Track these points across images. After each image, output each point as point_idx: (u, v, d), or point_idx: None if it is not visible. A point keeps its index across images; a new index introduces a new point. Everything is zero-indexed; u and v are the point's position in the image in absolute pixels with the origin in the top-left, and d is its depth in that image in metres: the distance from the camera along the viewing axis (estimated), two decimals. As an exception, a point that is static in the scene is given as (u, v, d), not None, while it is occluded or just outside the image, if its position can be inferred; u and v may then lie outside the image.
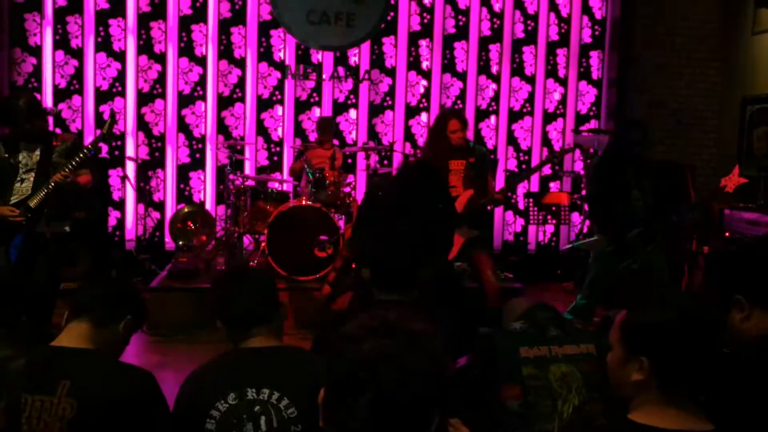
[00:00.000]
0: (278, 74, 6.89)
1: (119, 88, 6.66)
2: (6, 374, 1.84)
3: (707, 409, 1.47)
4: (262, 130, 6.94)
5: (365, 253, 2.63)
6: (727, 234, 6.24)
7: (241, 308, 2.06)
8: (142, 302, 2.18)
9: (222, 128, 6.85)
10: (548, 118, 7.38)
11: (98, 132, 4.39)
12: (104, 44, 6.59)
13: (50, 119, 5.67)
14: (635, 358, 1.48)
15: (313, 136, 6.85)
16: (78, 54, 6.57)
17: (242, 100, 6.88)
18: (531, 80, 7.29)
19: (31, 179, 4.14)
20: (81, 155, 4.10)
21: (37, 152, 4.18)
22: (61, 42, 6.53)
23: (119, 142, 6.66)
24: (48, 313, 4.20)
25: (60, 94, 6.57)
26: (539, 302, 2.60)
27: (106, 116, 6.63)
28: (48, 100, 6.51)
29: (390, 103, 7.08)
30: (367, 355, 1.16)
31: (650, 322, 1.47)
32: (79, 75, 6.59)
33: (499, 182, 7.10)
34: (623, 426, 1.47)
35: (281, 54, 6.88)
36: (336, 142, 6.68)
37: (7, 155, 4.13)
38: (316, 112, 6.98)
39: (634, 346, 1.49)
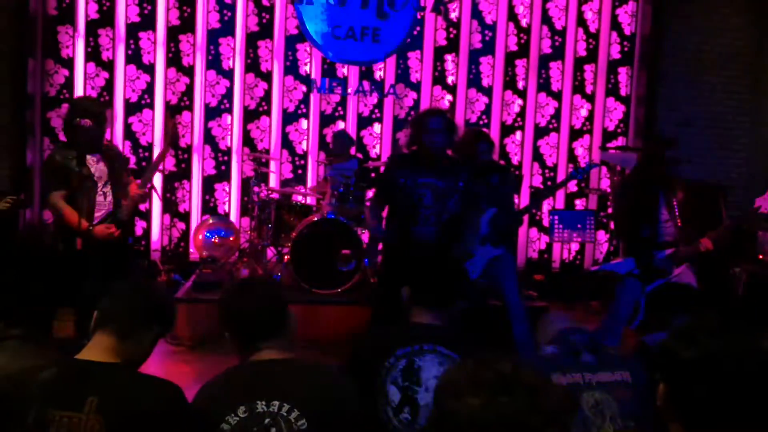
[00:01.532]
0: (304, 88, 6.93)
1: (148, 100, 6.75)
2: (35, 387, 1.84)
3: None
4: (287, 143, 6.98)
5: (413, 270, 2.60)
6: (760, 256, 6.12)
7: (248, 321, 2.06)
8: (170, 309, 2.16)
9: (248, 141, 6.90)
10: (575, 134, 7.31)
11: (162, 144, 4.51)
12: (134, 57, 6.69)
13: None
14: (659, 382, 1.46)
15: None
16: (108, 66, 6.67)
17: (268, 113, 6.93)
18: (558, 96, 7.24)
19: (110, 192, 4.12)
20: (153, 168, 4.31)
21: (101, 164, 4.12)
22: (93, 54, 6.64)
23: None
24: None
25: (90, 106, 6.66)
26: (573, 326, 2.57)
27: (134, 128, 6.72)
28: (78, 112, 6.61)
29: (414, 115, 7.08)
30: (481, 415, 1.05)
31: (671, 352, 1.44)
32: (109, 87, 6.69)
33: (524, 198, 7.06)
34: None
35: (307, 68, 6.92)
36: (360, 156, 6.68)
37: (79, 170, 4.00)
38: (341, 125, 7.00)
39: (660, 372, 1.47)
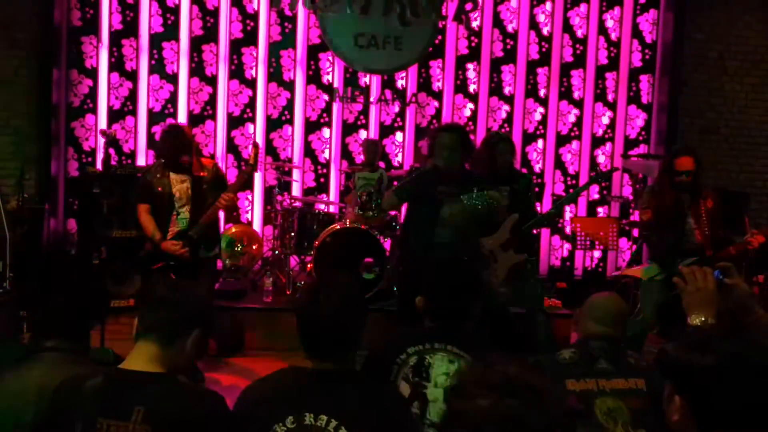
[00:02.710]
0: (326, 97, 6.96)
1: (171, 110, 6.80)
2: (82, 394, 1.85)
3: None
4: (309, 152, 7.00)
5: (428, 282, 2.60)
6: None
7: (320, 331, 2.01)
8: (211, 313, 2.16)
9: (270, 150, 6.93)
10: (596, 142, 7.30)
11: (243, 166, 4.76)
12: (158, 67, 6.74)
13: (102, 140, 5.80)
14: (673, 396, 1.45)
15: (359, 159, 6.89)
16: (132, 76, 6.73)
17: (290, 122, 6.96)
18: (579, 104, 7.23)
19: (187, 212, 4.37)
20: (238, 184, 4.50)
21: (187, 184, 4.38)
22: (116, 64, 6.70)
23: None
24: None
25: (114, 115, 6.72)
26: (594, 332, 2.54)
27: (158, 137, 6.76)
28: (103, 122, 6.67)
29: (437, 125, 7.09)
30: (488, 414, 1.08)
31: (685, 363, 1.44)
32: (133, 97, 6.74)
33: (546, 206, 7.03)
34: None
35: (329, 77, 6.95)
36: (382, 164, 6.70)
37: (161, 189, 4.36)
38: (363, 134, 7.02)
39: (675, 386, 1.46)
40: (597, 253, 7.10)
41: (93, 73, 6.68)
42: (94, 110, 6.69)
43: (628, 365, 2.41)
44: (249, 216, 6.98)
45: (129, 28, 6.68)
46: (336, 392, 1.95)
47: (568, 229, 7.06)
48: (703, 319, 1.87)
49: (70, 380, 1.94)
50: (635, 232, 6.99)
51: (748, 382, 1.38)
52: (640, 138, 7.34)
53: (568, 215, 7.09)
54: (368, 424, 1.91)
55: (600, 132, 7.30)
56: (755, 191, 7.07)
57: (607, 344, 2.45)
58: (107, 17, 6.65)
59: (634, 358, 2.48)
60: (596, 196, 7.24)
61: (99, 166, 6.41)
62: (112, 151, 6.44)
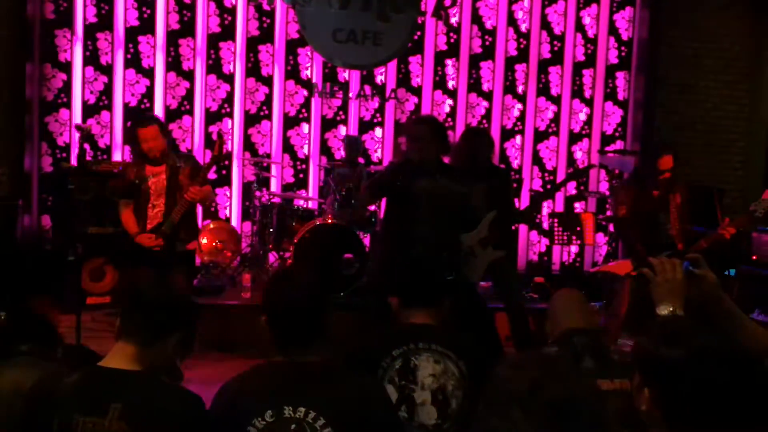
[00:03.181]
0: (305, 92, 6.93)
1: (147, 104, 6.72)
2: (59, 391, 1.84)
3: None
4: (288, 147, 6.97)
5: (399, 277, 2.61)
6: (754, 257, 6.18)
7: (292, 322, 2.03)
8: (193, 313, 2.14)
9: (248, 145, 6.89)
10: (573, 138, 7.36)
11: (209, 153, 4.73)
12: (133, 61, 6.66)
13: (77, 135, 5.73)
14: (643, 387, 1.47)
15: (338, 154, 6.87)
16: (107, 70, 6.63)
17: (269, 117, 6.92)
18: (557, 100, 7.28)
19: (162, 204, 4.36)
20: (202, 175, 4.37)
21: (163, 176, 4.36)
22: (91, 58, 6.60)
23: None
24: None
25: (89, 110, 6.63)
26: (573, 328, 2.54)
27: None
28: (77, 116, 6.58)
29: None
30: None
31: (656, 356, 1.45)
32: (108, 91, 6.65)
33: (524, 202, 7.08)
34: None
35: (308, 72, 6.92)
36: (362, 160, 6.69)
37: (137, 181, 4.36)
38: (342, 130, 7.00)
39: (643, 376, 1.48)
40: (574, 248, 7.16)
41: (67, 67, 6.58)
42: (68, 105, 6.59)
43: (612, 364, 2.41)
44: (227, 212, 6.94)
45: (104, 21, 6.58)
46: (314, 384, 1.95)
47: (545, 225, 7.12)
48: (671, 309, 1.89)
49: (47, 378, 1.93)
50: (611, 227, 7.06)
51: (716, 376, 1.39)
52: (617, 134, 7.41)
53: (545, 211, 7.15)
54: (347, 415, 1.92)
55: (577, 128, 7.35)
56: (729, 187, 7.17)
57: (589, 339, 2.46)
58: (81, 10, 6.54)
59: (617, 353, 2.49)
60: (573, 192, 7.29)
61: (74, 161, 6.33)
62: (87, 146, 6.35)
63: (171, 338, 2.00)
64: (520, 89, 7.20)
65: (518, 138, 7.26)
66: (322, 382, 1.97)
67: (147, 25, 6.65)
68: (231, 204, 6.93)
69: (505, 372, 1.13)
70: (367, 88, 6.95)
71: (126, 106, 6.69)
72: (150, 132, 4.38)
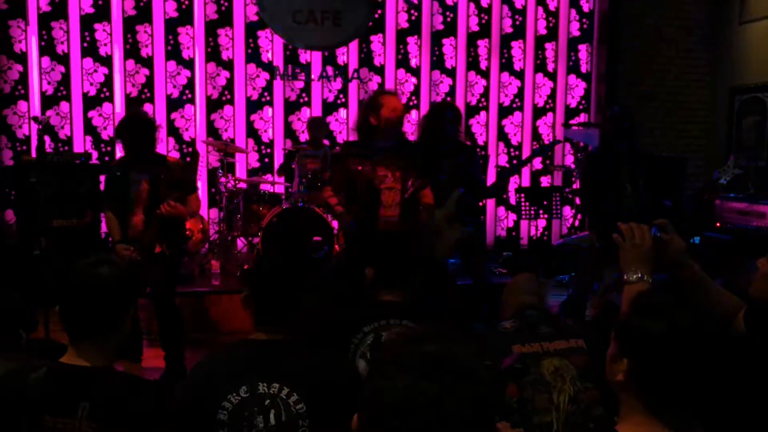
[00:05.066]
0: (267, 75, 6.87)
1: (107, 94, 6.62)
2: (25, 389, 1.79)
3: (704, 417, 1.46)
4: (252, 131, 6.92)
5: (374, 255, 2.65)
6: (718, 224, 6.28)
7: (273, 297, 2.06)
8: (134, 284, 2.02)
9: (212, 131, 6.82)
10: (538, 112, 7.39)
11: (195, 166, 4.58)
12: (90, 49, 6.54)
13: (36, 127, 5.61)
14: (621, 358, 1.48)
15: (303, 137, 6.83)
16: (64, 60, 6.51)
17: (231, 102, 6.86)
18: (520, 75, 7.29)
19: (141, 213, 4.12)
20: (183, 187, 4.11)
21: (145, 184, 4.11)
22: (47, 48, 6.47)
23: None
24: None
25: (48, 101, 6.51)
26: (529, 302, 2.62)
27: (95, 122, 6.59)
28: (36, 108, 6.46)
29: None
30: (404, 397, 1.00)
31: (638, 328, 1.46)
32: (66, 81, 6.53)
33: (491, 178, 7.11)
34: None
35: (269, 55, 6.85)
36: (327, 142, 6.66)
37: (119, 189, 4.12)
38: (306, 112, 6.96)
39: (622, 347, 1.48)
40: (542, 222, 7.22)
41: (23, 58, 6.45)
42: (26, 96, 6.46)
43: (566, 327, 2.49)
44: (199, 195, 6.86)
45: (58, 9, 6.44)
46: (287, 360, 1.98)
47: (512, 200, 7.16)
48: (639, 275, 1.91)
49: (12, 376, 1.89)
50: (578, 200, 7.12)
51: (698, 350, 1.41)
52: (581, 107, 7.45)
53: (512, 186, 7.18)
54: (319, 389, 1.94)
55: (541, 102, 7.38)
56: (692, 156, 7.26)
57: (541, 312, 2.53)
58: (34, -1, 6.41)
59: (570, 321, 2.55)
60: (539, 167, 7.33)
61: (34, 154, 6.22)
62: (47, 138, 6.25)
63: (123, 321, 1.93)
64: (483, 65, 7.20)
65: (483, 114, 7.27)
66: (295, 358, 2.00)
67: (102, 12, 6.52)
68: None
69: (393, 336, 1.12)
70: (330, 69, 6.89)
71: (85, 96, 6.58)
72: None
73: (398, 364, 1.03)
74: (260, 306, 2.07)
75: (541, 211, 6.60)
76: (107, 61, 6.58)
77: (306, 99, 6.97)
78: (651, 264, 1.93)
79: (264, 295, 2.08)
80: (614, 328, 1.53)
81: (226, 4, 6.73)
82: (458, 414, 0.99)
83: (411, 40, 7.06)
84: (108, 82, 6.61)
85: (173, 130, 6.76)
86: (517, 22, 7.21)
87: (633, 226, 1.95)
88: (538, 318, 2.48)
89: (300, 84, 6.92)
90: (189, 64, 6.74)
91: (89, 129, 6.59)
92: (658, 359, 1.41)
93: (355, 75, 6.94)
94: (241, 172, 6.90)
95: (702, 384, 1.41)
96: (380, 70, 7.04)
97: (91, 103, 6.58)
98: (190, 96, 6.77)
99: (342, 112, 7.05)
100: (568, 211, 7.34)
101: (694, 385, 1.41)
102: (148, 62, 6.66)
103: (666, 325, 1.42)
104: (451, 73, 7.16)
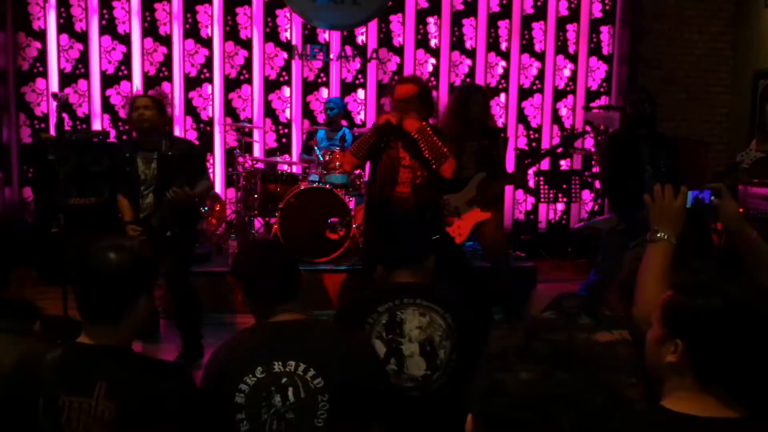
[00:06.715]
0: (285, 55, 6.82)
1: (125, 72, 6.60)
2: (42, 369, 1.77)
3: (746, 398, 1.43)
4: (269, 111, 6.89)
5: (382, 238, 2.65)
6: (741, 210, 6.20)
7: (269, 283, 2.08)
8: (152, 270, 1.95)
9: (229, 110, 6.80)
10: (558, 95, 7.31)
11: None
12: (109, 27, 6.52)
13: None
14: (671, 340, 1.46)
15: (321, 117, 6.80)
16: (83, 37, 6.50)
17: (249, 81, 6.82)
18: (541, 57, 7.20)
19: (151, 195, 4.08)
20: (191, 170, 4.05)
21: (154, 164, 4.06)
22: (65, 25, 6.46)
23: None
24: None
25: (66, 79, 6.51)
26: (563, 293, 2.59)
27: (113, 100, 6.58)
28: (54, 85, 6.46)
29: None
30: (533, 390, 1.01)
31: (693, 307, 1.44)
32: (84, 59, 6.52)
33: (510, 160, 7.05)
34: (657, 413, 1.44)
35: (287, 34, 6.80)
36: (345, 123, 6.62)
37: (128, 170, 4.08)
38: (324, 92, 6.92)
39: (673, 328, 1.46)
40: (560, 206, 7.16)
41: (41, 35, 6.44)
42: (44, 74, 6.47)
43: (608, 318, 2.44)
44: (210, 179, 6.86)
45: (77, -14, 6.43)
46: (302, 338, 1.99)
47: (531, 183, 7.10)
48: (662, 234, 1.89)
49: (28, 356, 1.87)
50: (597, 184, 7.05)
51: (755, 321, 1.39)
52: (602, 90, 7.36)
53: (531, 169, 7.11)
54: (335, 364, 1.95)
55: (562, 85, 7.29)
56: (714, 140, 7.16)
57: (579, 301, 2.49)
58: (53, -25, 6.39)
59: (609, 311, 2.51)
60: (559, 150, 7.25)
61: (53, 131, 6.23)
62: (65, 115, 6.22)
63: (138, 301, 1.88)
64: (503, 46, 7.12)
65: (502, 96, 7.20)
66: (308, 336, 2.01)
67: (121, -11, 6.49)
68: (214, 171, 6.86)
69: (500, 331, 1.13)
70: (348, 49, 6.84)
71: (103, 74, 6.57)
72: (143, 100, 4.10)
73: (521, 356, 1.04)
74: (259, 292, 2.10)
75: (560, 195, 6.55)
76: (125, 39, 6.56)
77: (324, 79, 6.93)
78: (678, 226, 1.90)
79: (261, 281, 2.10)
80: (660, 311, 1.50)
81: (244, -18, 6.68)
82: (589, 402, 1.00)
83: (431, 20, 6.98)
84: (126, 60, 6.59)
85: (191, 109, 6.74)
86: (539, 3, 7.12)
87: (667, 187, 1.92)
88: (577, 307, 2.43)
89: (318, 64, 6.87)
90: (207, 43, 6.70)
91: (107, 107, 6.59)
92: (717, 335, 1.40)
93: (374, 55, 6.88)
94: (259, 151, 6.87)
95: (760, 356, 1.39)
96: (399, 51, 6.97)
97: (109, 81, 6.57)
98: (208, 75, 6.74)
99: (360, 92, 6.99)
100: (587, 194, 7.27)
101: (753, 357, 1.40)
102: (166, 40, 6.63)
103: (721, 300, 1.41)
104: (471, 54, 7.08)
